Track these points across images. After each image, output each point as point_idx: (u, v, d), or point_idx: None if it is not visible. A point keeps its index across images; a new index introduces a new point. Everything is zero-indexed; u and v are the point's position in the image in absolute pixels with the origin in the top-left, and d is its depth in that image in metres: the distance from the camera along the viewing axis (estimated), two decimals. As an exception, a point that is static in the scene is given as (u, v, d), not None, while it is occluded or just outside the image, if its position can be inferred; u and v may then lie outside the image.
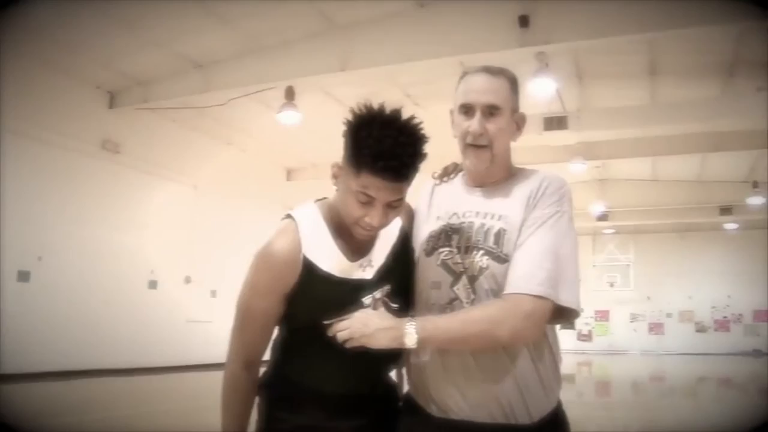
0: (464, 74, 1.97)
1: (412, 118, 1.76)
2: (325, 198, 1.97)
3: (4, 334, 10.18)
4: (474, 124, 1.87)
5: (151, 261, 13.52)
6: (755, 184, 19.60)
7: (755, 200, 19.98)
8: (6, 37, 9.98)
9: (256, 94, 11.56)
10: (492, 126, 1.87)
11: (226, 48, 11.00)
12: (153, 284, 13.57)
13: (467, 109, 1.90)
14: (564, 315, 1.80)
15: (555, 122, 12.27)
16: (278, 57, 10.81)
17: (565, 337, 27.41)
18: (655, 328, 28.16)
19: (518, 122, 1.97)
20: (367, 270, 1.91)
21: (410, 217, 2.08)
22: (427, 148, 1.76)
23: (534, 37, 9.32)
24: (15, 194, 10.71)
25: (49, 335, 11.05)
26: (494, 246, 1.83)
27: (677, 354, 26.16)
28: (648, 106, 13.20)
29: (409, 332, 1.72)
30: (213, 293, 14.82)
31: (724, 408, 10.51)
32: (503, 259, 1.81)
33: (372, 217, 1.76)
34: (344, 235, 1.90)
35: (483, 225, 1.89)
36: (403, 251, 1.99)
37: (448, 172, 2.14)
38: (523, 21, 9.31)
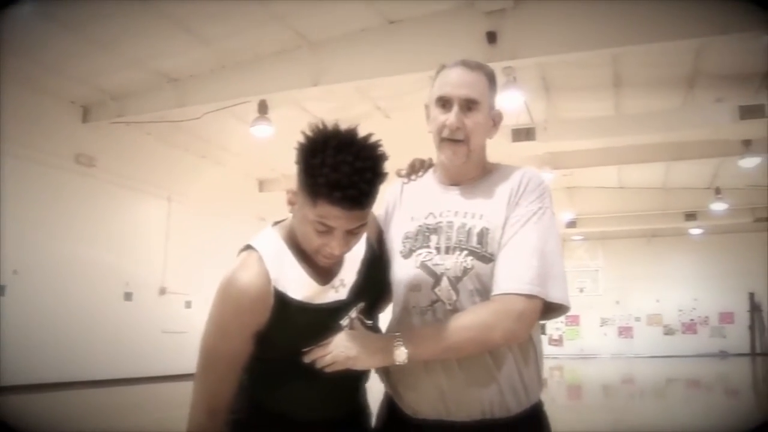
0: (441, 67, 1.91)
1: (368, 137, 1.65)
2: (283, 220, 1.87)
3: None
4: (451, 117, 1.82)
5: (127, 273, 13.59)
6: (718, 191, 20.14)
7: (718, 206, 20.53)
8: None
9: (231, 108, 11.72)
10: (469, 120, 1.83)
11: (201, 64, 11.16)
12: (128, 296, 13.63)
13: (444, 102, 1.85)
14: (552, 311, 1.78)
15: (523, 134, 12.57)
16: (252, 72, 10.99)
17: (536, 342, 28.14)
18: (625, 331, 28.52)
19: (495, 119, 1.93)
20: (340, 290, 1.82)
21: (375, 227, 2.00)
22: (387, 167, 1.66)
23: (501, 52, 9.56)
24: (-12, 209, 10.79)
25: (25, 349, 11.07)
26: (478, 246, 1.79)
27: (646, 357, 26.56)
28: (613, 117, 13.56)
29: (399, 349, 1.68)
30: (188, 304, 14.90)
31: (692, 408, 10.78)
32: (488, 259, 1.77)
33: (332, 247, 1.66)
34: (310, 259, 1.78)
35: (464, 224, 1.83)
36: (372, 264, 1.91)
37: (415, 170, 2.08)
38: (491, 37, 9.58)
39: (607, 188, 21.95)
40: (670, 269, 27.20)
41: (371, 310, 1.90)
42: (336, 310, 1.79)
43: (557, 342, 29.32)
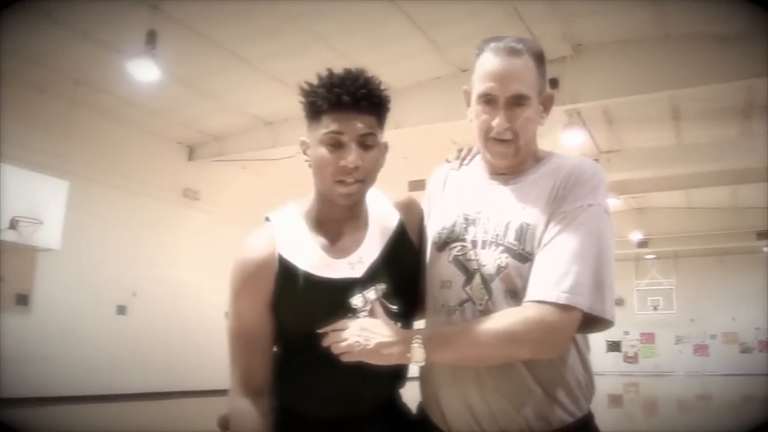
0: (481, 50, 1.70)
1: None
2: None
3: (110, 361, 11.93)
4: (499, 119, 1.63)
5: (227, 295, 14.94)
6: (788, 210, 20.25)
7: (789, 225, 20.63)
8: (103, 106, 11.77)
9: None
10: (519, 118, 1.64)
11: (294, 109, 12.28)
12: (227, 315, 14.99)
13: (489, 100, 1.65)
14: (595, 323, 1.57)
15: (587, 165, 13.32)
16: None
17: (611, 359, 28.17)
18: (700, 349, 28.45)
19: (545, 103, 1.74)
20: (356, 267, 1.69)
21: (413, 210, 1.86)
22: (384, 92, 1.68)
23: (563, 97, 10.30)
24: (111, 239, 12.46)
25: (142, 361, 12.65)
26: (515, 242, 1.61)
27: (722, 375, 26.39)
28: (674, 146, 14.19)
29: (416, 349, 1.53)
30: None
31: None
32: (525, 258, 1.59)
33: (347, 159, 1.59)
34: (326, 232, 1.72)
35: (503, 218, 1.65)
36: (401, 246, 1.78)
37: (462, 157, 1.91)
38: (553, 83, 10.33)
39: (676, 209, 22.29)
40: (745, 287, 26.93)
41: (398, 296, 1.71)
42: (347, 287, 1.66)
43: (632, 359, 29.46)
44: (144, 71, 9.44)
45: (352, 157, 1.58)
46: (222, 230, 14.93)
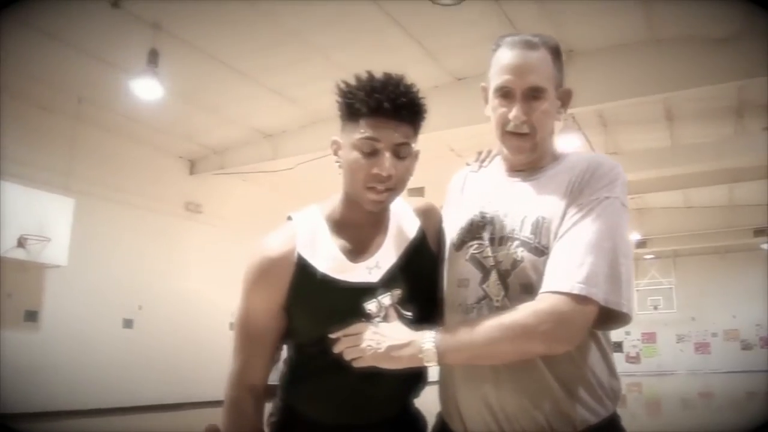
0: (498, 45, 1.71)
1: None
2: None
3: (119, 374, 12.08)
4: (515, 111, 1.64)
5: (231, 305, 15.06)
6: (784, 207, 20.38)
7: (785, 222, 20.76)
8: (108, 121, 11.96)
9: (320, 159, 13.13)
10: (535, 111, 1.64)
11: (292, 121, 12.64)
12: (232, 326, 15.10)
13: (505, 93, 1.66)
14: (614, 319, 1.54)
15: (582, 169, 13.48)
16: (338, 128, 12.32)
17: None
18: (701, 347, 28.57)
19: (563, 99, 1.75)
20: (373, 272, 1.67)
21: (433, 217, 1.85)
22: (423, 101, 1.65)
23: None
24: (116, 253, 12.62)
25: (148, 373, 12.81)
26: (531, 236, 1.59)
27: (724, 372, 26.44)
28: (668, 148, 14.31)
29: (428, 349, 1.51)
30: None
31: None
32: (541, 251, 1.57)
33: (381, 167, 1.58)
34: (347, 235, 1.71)
35: (520, 213, 1.63)
36: (419, 253, 1.75)
37: (481, 159, 1.92)
38: None
39: (674, 208, 22.41)
40: (745, 284, 27.06)
41: (413, 302, 1.70)
42: (362, 292, 1.65)
43: (635, 359, 29.51)
44: (147, 89, 9.61)
45: (386, 165, 1.58)
46: (224, 242, 15.11)
